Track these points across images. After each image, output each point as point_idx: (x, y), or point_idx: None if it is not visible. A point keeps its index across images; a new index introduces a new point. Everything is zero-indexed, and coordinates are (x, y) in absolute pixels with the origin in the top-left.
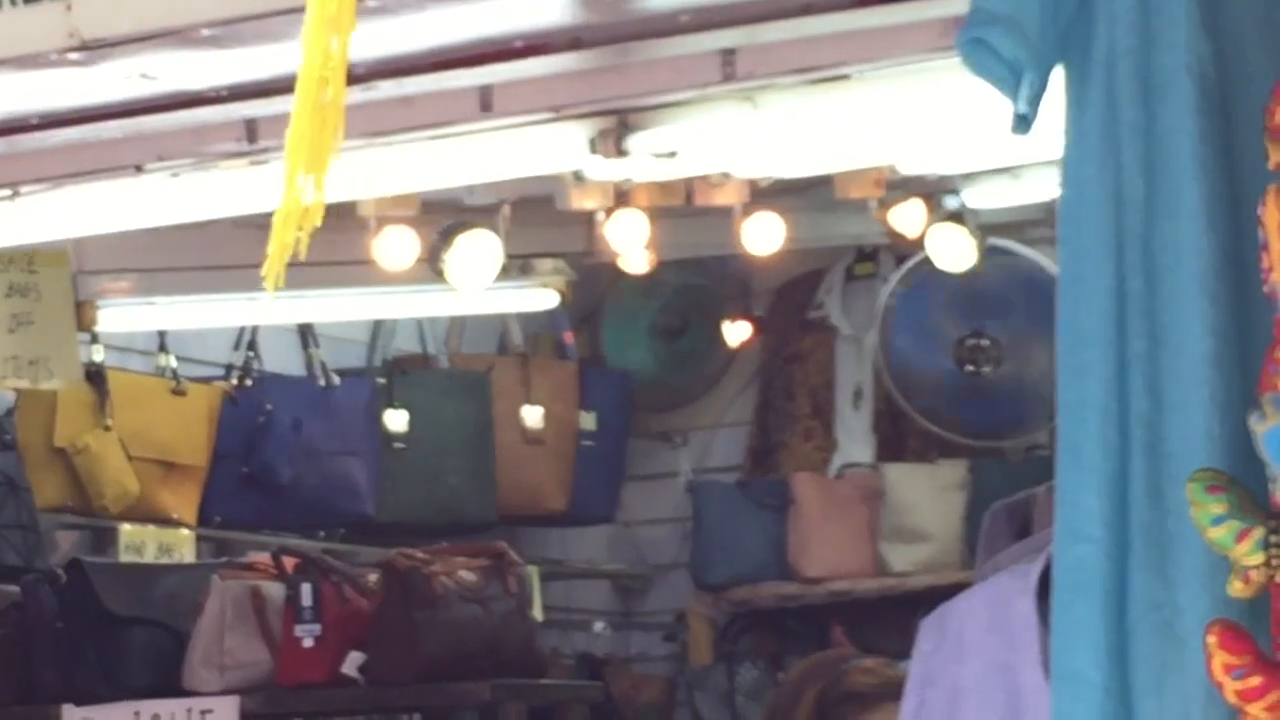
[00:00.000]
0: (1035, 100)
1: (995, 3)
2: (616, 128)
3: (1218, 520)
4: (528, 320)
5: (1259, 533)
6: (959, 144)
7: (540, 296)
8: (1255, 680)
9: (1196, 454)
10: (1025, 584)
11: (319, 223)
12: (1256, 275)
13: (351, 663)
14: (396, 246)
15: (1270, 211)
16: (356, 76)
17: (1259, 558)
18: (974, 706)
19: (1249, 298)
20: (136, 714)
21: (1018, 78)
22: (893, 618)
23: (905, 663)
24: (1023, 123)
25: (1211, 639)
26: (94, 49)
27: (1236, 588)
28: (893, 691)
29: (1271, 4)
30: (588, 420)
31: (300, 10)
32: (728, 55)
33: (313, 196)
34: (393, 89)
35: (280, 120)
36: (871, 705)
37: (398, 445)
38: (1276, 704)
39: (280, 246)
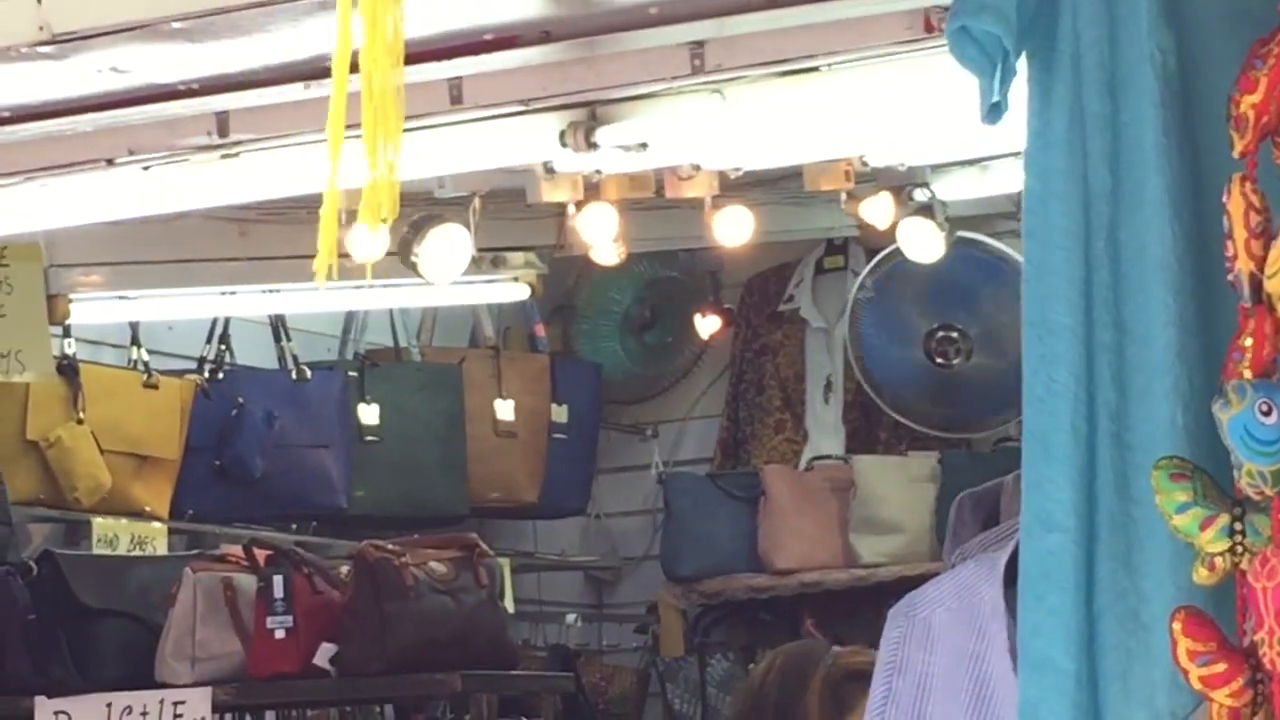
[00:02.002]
0: (1008, 89)
1: None
2: (586, 120)
3: (1182, 508)
4: (499, 313)
5: (1223, 520)
6: (928, 136)
7: (511, 289)
8: (1220, 667)
9: (1162, 443)
10: (992, 573)
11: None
12: (1221, 264)
13: (323, 654)
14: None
15: (1234, 200)
16: (327, 69)
17: (1223, 545)
18: (942, 694)
19: (1214, 287)
20: (109, 706)
21: (995, 66)
22: (863, 609)
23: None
24: (995, 112)
25: (1176, 626)
26: (64, 42)
27: (1201, 575)
28: None
29: None
30: (559, 413)
31: (267, 4)
32: (696, 47)
33: (388, 178)
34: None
35: (251, 113)
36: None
37: (370, 438)
38: (1240, 690)
39: (328, 238)
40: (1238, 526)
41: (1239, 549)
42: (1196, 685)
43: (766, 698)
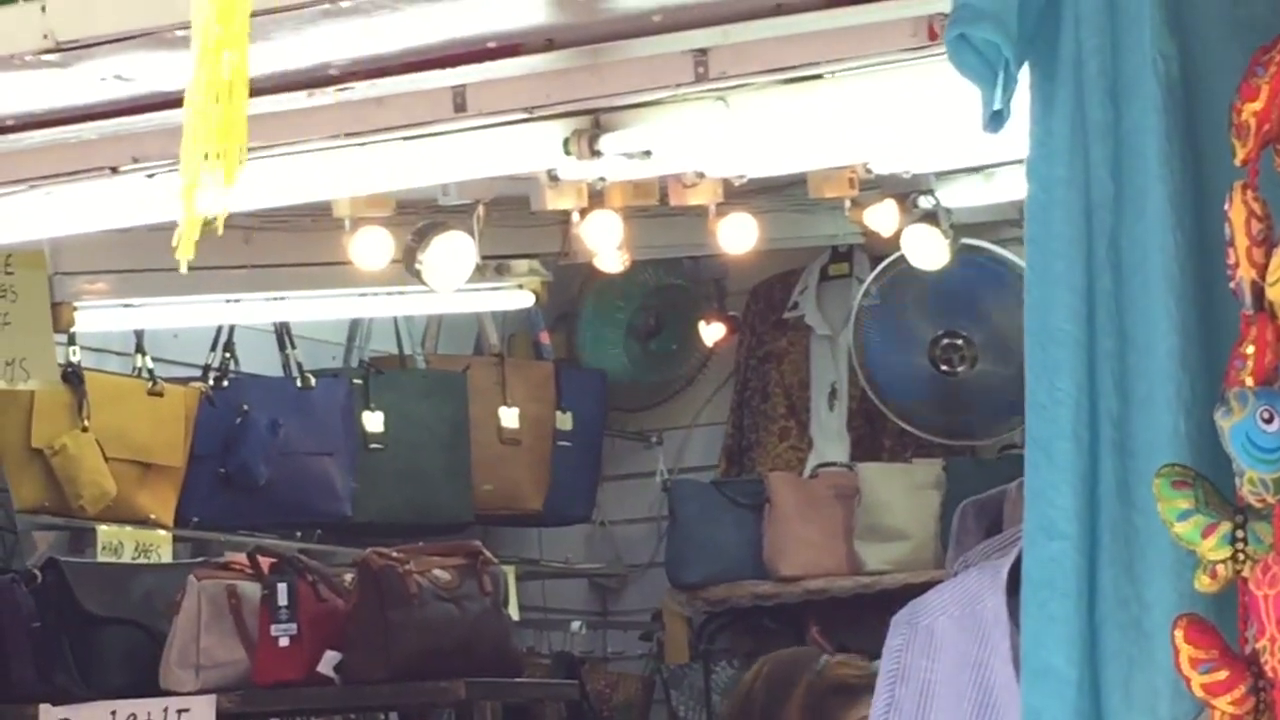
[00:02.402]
0: (1011, 97)
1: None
2: (590, 128)
3: (1184, 515)
4: (504, 321)
5: (1225, 527)
6: (932, 143)
7: (516, 297)
8: (1222, 674)
9: (1164, 450)
10: (995, 581)
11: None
12: (1223, 272)
13: (327, 662)
14: (371, 247)
15: (1236, 208)
16: (330, 77)
17: (1225, 552)
18: (945, 703)
19: (1216, 294)
20: (113, 714)
21: (996, 74)
22: (868, 616)
23: (879, 661)
24: (997, 120)
25: (1178, 634)
26: (69, 50)
27: (1203, 583)
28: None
29: (1236, 3)
30: (564, 420)
31: (271, 12)
32: (700, 55)
33: (213, 209)
34: (367, 89)
35: (255, 121)
36: (859, 696)
37: (374, 446)
38: (1243, 698)
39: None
40: (1239, 534)
41: (1240, 556)
42: (1199, 693)
43: (753, 703)
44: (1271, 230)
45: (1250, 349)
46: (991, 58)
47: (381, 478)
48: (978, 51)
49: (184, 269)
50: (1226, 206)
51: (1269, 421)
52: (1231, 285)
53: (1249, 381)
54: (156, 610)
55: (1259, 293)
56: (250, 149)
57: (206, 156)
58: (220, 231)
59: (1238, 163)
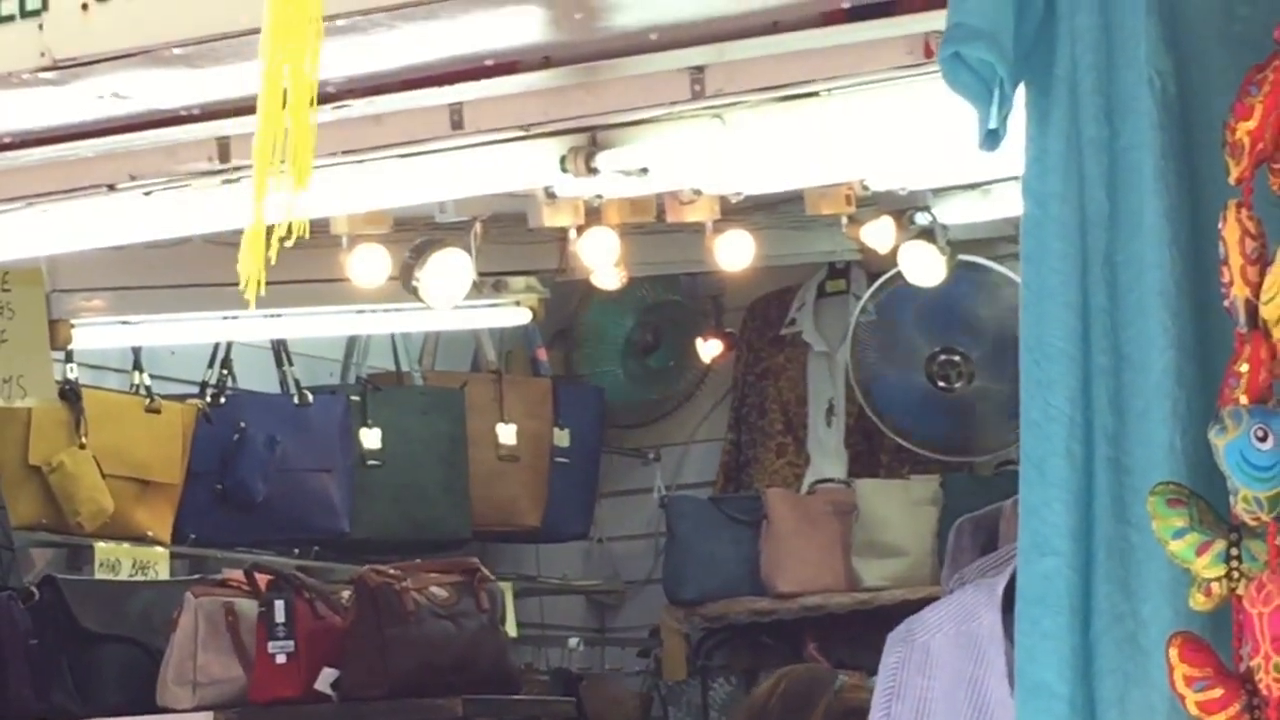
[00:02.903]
0: (1006, 116)
1: (975, 18)
2: (587, 145)
3: (1179, 533)
4: (501, 337)
5: (1220, 545)
6: (929, 160)
7: (513, 314)
8: (1216, 692)
9: (1159, 468)
10: (991, 598)
11: (297, 238)
12: (1217, 290)
13: (324, 679)
14: (369, 264)
15: (1230, 227)
16: (328, 95)
17: (1220, 570)
18: (941, 719)
19: (1211, 311)
20: None
21: (991, 93)
22: (866, 632)
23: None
24: (992, 138)
25: (1173, 651)
26: (66, 68)
27: (1198, 600)
28: None
29: (1231, 20)
30: (561, 437)
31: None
32: (697, 73)
33: (288, 214)
34: (364, 107)
35: (252, 139)
36: None
37: (372, 462)
38: (1237, 716)
39: (254, 266)
40: (1234, 552)
41: (1235, 574)
42: (1193, 711)
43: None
44: (1265, 249)
45: (1244, 367)
46: (986, 76)
47: (379, 494)
48: (972, 70)
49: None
50: (1221, 225)
51: (1263, 439)
52: (1226, 303)
53: (1243, 399)
54: (154, 627)
55: (1253, 311)
56: (246, 166)
57: (278, 164)
58: (307, 236)
59: (1232, 181)
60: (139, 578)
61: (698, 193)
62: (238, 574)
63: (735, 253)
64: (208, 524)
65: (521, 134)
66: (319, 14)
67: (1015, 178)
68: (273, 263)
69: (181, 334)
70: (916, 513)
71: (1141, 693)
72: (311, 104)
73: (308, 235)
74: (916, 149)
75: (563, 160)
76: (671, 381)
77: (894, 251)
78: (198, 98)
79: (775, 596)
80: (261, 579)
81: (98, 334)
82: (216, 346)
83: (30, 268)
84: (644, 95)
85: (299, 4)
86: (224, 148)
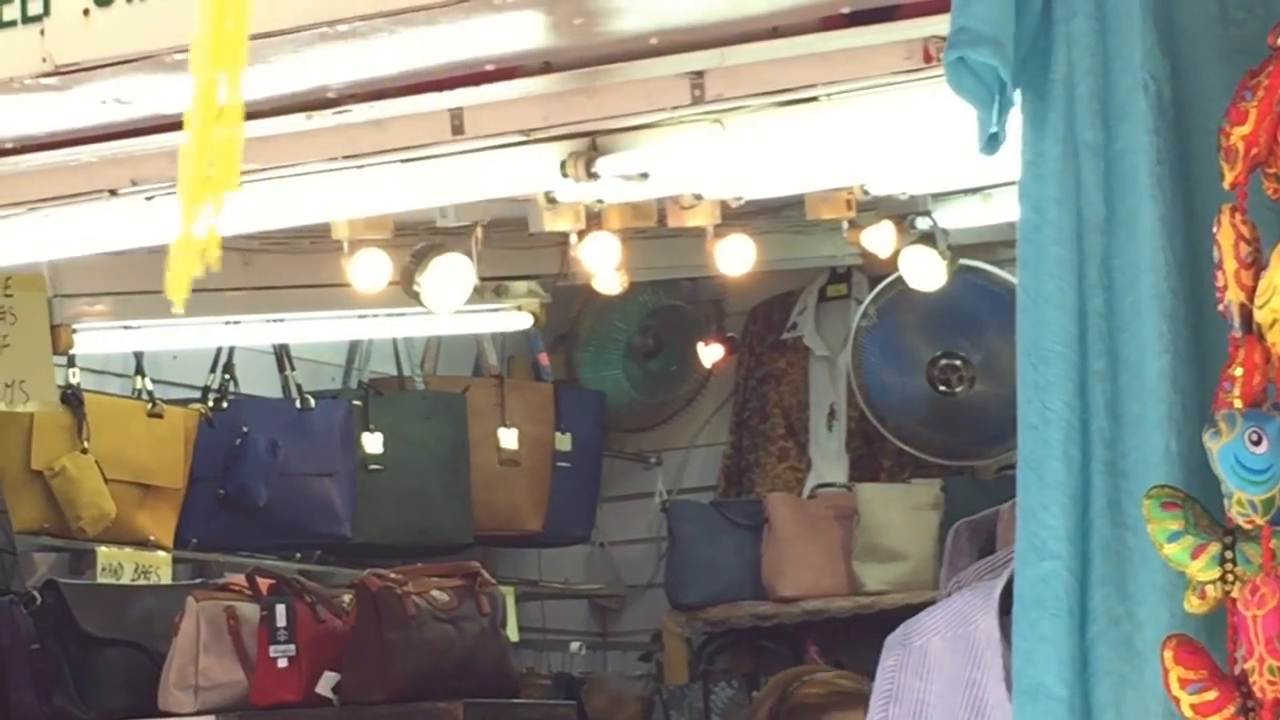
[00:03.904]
0: (1006, 119)
1: (980, 23)
2: (587, 150)
3: (1174, 536)
4: (503, 342)
5: (1214, 549)
6: (929, 165)
7: (515, 318)
8: (1211, 695)
9: (1155, 470)
10: (988, 601)
11: (216, 258)
12: (1213, 294)
13: (326, 683)
14: (370, 269)
15: (1224, 231)
16: (329, 100)
17: (1214, 573)
18: None
19: (1207, 315)
20: None
21: (993, 97)
22: (867, 636)
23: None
24: (993, 142)
25: (1168, 654)
26: (68, 74)
27: (1193, 603)
28: (839, 700)
29: (1227, 24)
30: (563, 441)
31: (268, 35)
32: (697, 78)
33: (206, 232)
34: (365, 112)
35: (253, 144)
36: (821, 715)
37: (374, 467)
38: (1232, 718)
39: (178, 277)
40: (1228, 555)
41: (1230, 577)
42: (1188, 713)
43: None
44: (1259, 253)
45: (1239, 371)
46: (988, 80)
47: (381, 499)
48: (975, 74)
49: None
50: (1215, 229)
51: (1257, 443)
52: (1220, 308)
53: (1237, 403)
54: (155, 631)
55: (1247, 315)
56: (249, 171)
57: (204, 181)
58: (216, 262)
59: (1226, 186)
60: (141, 582)
61: (698, 197)
62: (239, 578)
63: (736, 257)
64: (210, 528)
65: (522, 139)
66: (245, 30)
67: (1015, 182)
68: (200, 275)
69: (183, 339)
70: (917, 517)
71: (1137, 695)
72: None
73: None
74: (917, 154)
75: (563, 165)
76: (673, 386)
77: (895, 256)
78: None
79: (776, 600)
80: (263, 583)
81: (100, 339)
82: (219, 351)
83: (32, 273)
84: (644, 100)
85: (229, 17)
86: None
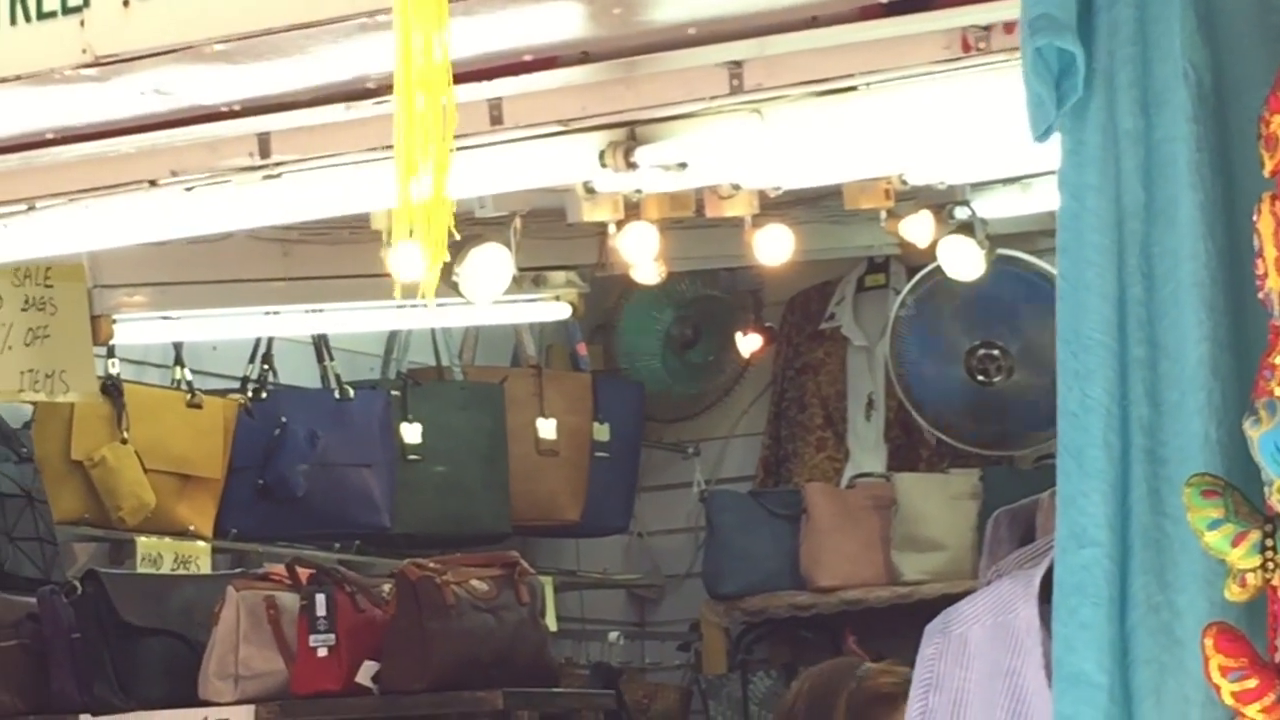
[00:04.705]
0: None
1: (1056, 9)
2: (625, 140)
3: (1214, 524)
4: (541, 332)
5: (1255, 536)
6: (967, 154)
7: (553, 308)
8: (1252, 682)
9: (1194, 459)
10: (1028, 589)
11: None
12: (1253, 281)
13: (366, 672)
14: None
15: (1264, 219)
16: (368, 90)
17: (1255, 561)
18: (978, 710)
19: (1247, 302)
20: None
21: (1059, 84)
22: (905, 626)
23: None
24: (1049, 131)
25: (1208, 642)
26: (107, 65)
27: (1233, 591)
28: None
29: (1267, 11)
30: (601, 431)
31: (308, 26)
32: (735, 67)
33: (431, 195)
34: None
35: (293, 134)
36: (899, 703)
37: (412, 457)
38: (1273, 706)
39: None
40: (1269, 543)
41: (1270, 565)
42: (1229, 701)
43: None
44: None
45: (1279, 359)
46: (1055, 68)
47: (419, 489)
48: (1045, 61)
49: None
50: (1255, 217)
51: None
52: (1260, 295)
53: (1278, 391)
54: (195, 621)
55: None
56: (287, 161)
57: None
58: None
59: (1266, 174)
60: (180, 572)
61: (737, 187)
62: (279, 568)
63: (774, 247)
64: (249, 519)
65: (560, 129)
66: None
67: (1054, 172)
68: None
69: (223, 329)
70: (956, 507)
71: (1177, 682)
72: (447, 82)
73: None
74: (955, 143)
75: (601, 155)
76: (711, 376)
77: (933, 246)
78: (239, 94)
79: (815, 590)
80: (303, 573)
81: (139, 329)
82: (258, 342)
83: (72, 263)
84: (682, 90)
85: None
86: (265, 143)
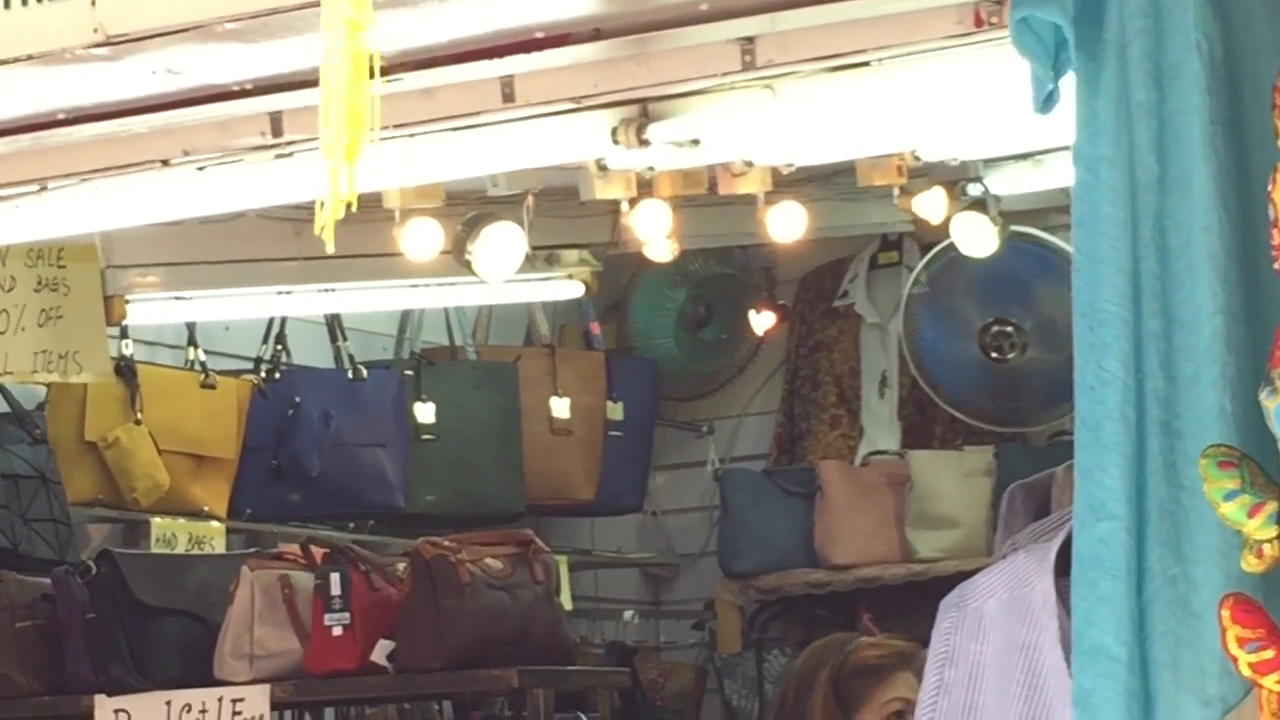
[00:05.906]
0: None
1: None
2: (638, 117)
3: (1230, 495)
4: (554, 311)
5: (1271, 507)
6: (980, 130)
7: (566, 287)
8: (1269, 653)
9: (1210, 429)
10: (1044, 563)
11: (344, 215)
12: (1267, 252)
13: (380, 651)
14: (421, 238)
15: (1278, 189)
16: (379, 68)
17: (1271, 532)
18: (994, 684)
19: (1261, 274)
20: (168, 704)
21: (1053, 55)
22: (920, 604)
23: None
24: (1049, 102)
25: (1225, 613)
26: (118, 44)
27: (1250, 562)
28: (902, 660)
29: None
30: (615, 410)
31: (319, 4)
32: (747, 43)
33: (346, 189)
34: (415, 81)
35: (305, 113)
36: (885, 675)
37: (426, 437)
38: None
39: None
40: None
41: None
42: (1246, 672)
43: (785, 698)
44: None
45: None
46: (1047, 39)
47: (433, 469)
48: (1035, 33)
49: (330, 249)
50: (1269, 188)
51: None
52: (1275, 266)
53: None
54: (210, 601)
55: None
56: (299, 141)
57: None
58: (355, 210)
59: (1279, 145)
60: (195, 552)
61: (749, 164)
62: (294, 547)
63: (787, 224)
64: (263, 499)
65: (573, 106)
66: None
67: (1067, 148)
68: (329, 236)
69: (236, 309)
70: (970, 484)
71: (1193, 654)
72: (370, 74)
73: (355, 209)
74: (968, 119)
75: (614, 132)
76: (725, 354)
77: (946, 222)
78: (250, 73)
79: (829, 568)
80: (317, 552)
81: (152, 310)
82: (271, 322)
83: (85, 244)
84: (695, 66)
85: None
86: (277, 122)
